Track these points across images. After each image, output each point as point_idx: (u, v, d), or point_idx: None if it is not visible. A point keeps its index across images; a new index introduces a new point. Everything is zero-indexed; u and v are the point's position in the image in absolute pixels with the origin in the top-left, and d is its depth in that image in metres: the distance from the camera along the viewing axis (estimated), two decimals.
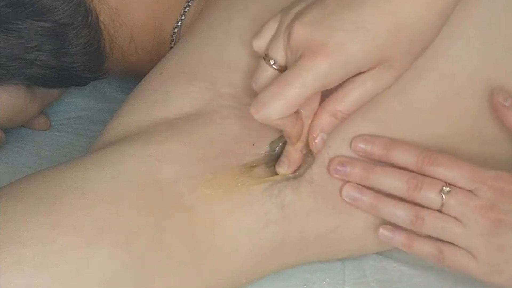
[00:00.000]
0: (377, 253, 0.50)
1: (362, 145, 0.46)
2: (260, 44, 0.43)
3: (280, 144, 0.45)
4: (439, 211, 0.44)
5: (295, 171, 0.45)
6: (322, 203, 0.45)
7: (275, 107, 0.40)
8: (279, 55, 0.42)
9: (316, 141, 0.43)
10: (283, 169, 0.44)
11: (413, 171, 0.45)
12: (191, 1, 0.57)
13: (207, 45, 0.49)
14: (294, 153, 0.44)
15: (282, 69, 0.42)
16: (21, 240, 0.37)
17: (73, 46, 0.52)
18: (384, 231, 0.46)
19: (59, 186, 0.40)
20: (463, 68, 0.47)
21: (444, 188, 0.44)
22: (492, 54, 0.47)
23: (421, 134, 0.47)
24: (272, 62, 0.42)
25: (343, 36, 0.39)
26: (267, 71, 0.42)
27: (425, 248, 0.45)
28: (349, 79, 0.41)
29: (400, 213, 0.45)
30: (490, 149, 0.49)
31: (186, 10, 0.56)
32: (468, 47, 0.47)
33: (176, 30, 0.56)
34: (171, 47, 0.57)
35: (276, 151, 0.45)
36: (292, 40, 0.40)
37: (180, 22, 0.56)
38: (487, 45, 0.47)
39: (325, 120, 0.43)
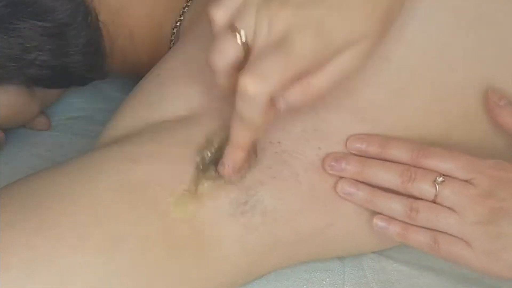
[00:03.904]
0: (377, 253, 0.50)
1: (358, 145, 0.46)
2: (222, 14, 0.39)
3: (212, 151, 0.43)
4: (434, 202, 0.44)
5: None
6: (311, 204, 0.45)
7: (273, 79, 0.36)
8: (249, 30, 0.37)
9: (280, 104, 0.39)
10: (226, 171, 0.42)
11: (409, 165, 0.45)
12: (189, 1, 0.57)
13: (205, 48, 0.49)
14: (235, 154, 0.41)
15: (245, 46, 0.38)
16: (7, 246, 0.37)
17: (73, 46, 0.52)
18: (378, 221, 0.46)
19: (43, 191, 0.41)
20: (458, 68, 0.47)
21: (438, 178, 0.44)
22: (488, 53, 0.48)
23: (416, 133, 0.47)
24: (243, 37, 0.38)
25: (327, 15, 0.37)
26: (235, 47, 0.38)
27: (420, 237, 0.45)
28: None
29: (395, 206, 0.45)
30: (486, 147, 0.49)
31: (185, 10, 0.56)
32: (463, 47, 0.47)
33: (175, 30, 0.57)
34: (170, 47, 0.57)
35: (207, 159, 0.43)
36: (272, 18, 0.37)
37: (179, 23, 0.56)
38: (483, 44, 0.47)
39: (294, 89, 0.38)
